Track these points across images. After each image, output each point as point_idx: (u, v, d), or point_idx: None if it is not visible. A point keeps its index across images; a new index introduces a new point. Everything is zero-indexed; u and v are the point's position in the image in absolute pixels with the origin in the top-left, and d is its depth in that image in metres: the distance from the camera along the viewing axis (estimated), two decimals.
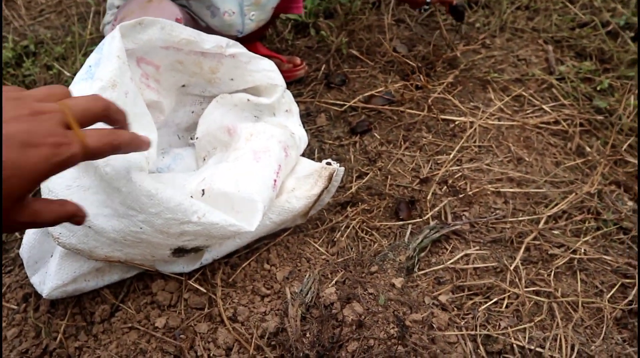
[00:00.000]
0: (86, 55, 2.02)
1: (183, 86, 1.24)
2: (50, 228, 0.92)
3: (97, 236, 0.90)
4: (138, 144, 0.62)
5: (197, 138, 1.28)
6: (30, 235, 1.07)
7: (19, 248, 1.29)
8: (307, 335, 0.88)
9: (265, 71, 1.20)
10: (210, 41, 1.12)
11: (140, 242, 0.90)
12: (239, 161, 1.06)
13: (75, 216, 0.59)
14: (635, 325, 1.03)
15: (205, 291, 1.01)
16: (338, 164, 1.06)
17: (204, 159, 1.25)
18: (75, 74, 1.87)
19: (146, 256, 0.97)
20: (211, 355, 0.90)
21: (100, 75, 0.94)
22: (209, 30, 1.39)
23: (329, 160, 1.07)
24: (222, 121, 1.24)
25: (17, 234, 1.36)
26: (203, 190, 1.00)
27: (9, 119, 0.52)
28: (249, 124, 1.19)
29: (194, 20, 1.35)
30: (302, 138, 1.22)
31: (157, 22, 1.06)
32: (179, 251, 0.95)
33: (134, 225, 0.88)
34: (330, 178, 1.05)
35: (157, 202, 0.85)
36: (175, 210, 0.87)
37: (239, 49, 1.14)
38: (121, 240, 0.89)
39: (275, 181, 1.02)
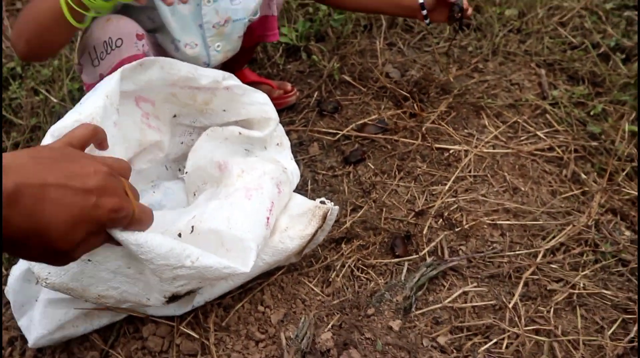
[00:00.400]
0: (73, 79, 1.99)
1: (174, 116, 1.22)
2: (36, 269, 0.88)
3: (95, 270, 0.86)
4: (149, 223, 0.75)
5: (186, 173, 1.25)
6: (13, 280, 1.04)
7: (4, 283, 1.26)
8: None
9: (259, 104, 1.19)
10: (208, 76, 1.11)
11: (137, 281, 0.88)
12: (230, 198, 1.03)
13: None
14: None
15: (197, 336, 0.98)
16: (332, 203, 1.04)
17: (194, 195, 1.23)
18: (62, 100, 1.84)
19: (141, 299, 0.94)
20: None
21: (81, 109, 0.93)
22: None
23: (323, 199, 1.05)
24: (213, 155, 1.22)
25: (3, 270, 1.32)
26: (193, 227, 0.97)
27: (92, 173, 0.60)
28: (240, 159, 1.17)
29: (162, 51, 1.33)
30: (294, 172, 1.20)
31: (156, 62, 1.06)
32: (173, 299, 0.92)
33: (140, 264, 0.85)
34: (324, 218, 1.03)
35: (148, 250, 0.82)
36: (167, 256, 0.84)
37: (234, 81, 1.14)
38: (121, 273, 0.86)
39: (268, 218, 1.00)
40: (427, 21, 1.42)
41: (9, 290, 1.05)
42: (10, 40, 1.08)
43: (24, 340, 1.05)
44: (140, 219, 0.70)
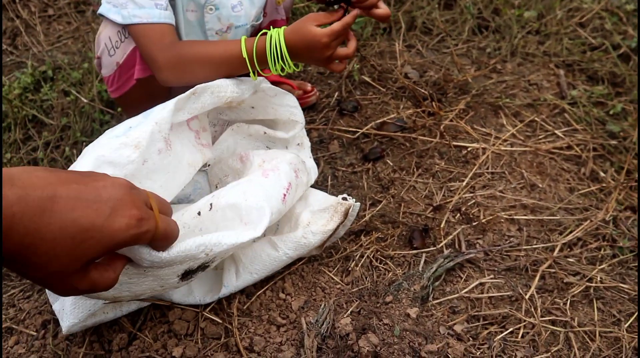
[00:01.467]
0: (102, 81, 2.06)
1: (207, 115, 1.27)
2: None
3: None
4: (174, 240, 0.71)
5: (208, 166, 1.30)
6: None
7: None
8: None
9: (289, 106, 1.24)
10: (249, 88, 1.17)
11: (146, 278, 0.88)
12: (247, 178, 1.07)
13: (116, 281, 0.64)
14: None
15: (221, 321, 1.02)
16: (354, 200, 1.07)
17: (217, 187, 1.27)
18: (91, 101, 1.91)
19: (155, 289, 0.95)
20: None
21: (130, 132, 0.97)
22: None
23: (345, 195, 1.08)
24: (235, 149, 1.26)
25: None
26: (211, 204, 0.99)
27: (106, 187, 0.56)
28: (261, 151, 1.21)
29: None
30: (312, 168, 1.23)
31: (207, 88, 1.10)
32: (187, 274, 0.92)
33: (137, 268, 0.84)
34: (346, 214, 1.06)
35: (166, 261, 0.78)
36: (184, 259, 0.82)
37: (267, 84, 1.20)
38: (126, 279, 0.87)
39: (285, 195, 1.02)
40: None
41: None
42: (158, 63, 1.16)
43: (56, 323, 1.10)
44: (165, 235, 0.65)
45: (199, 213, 1.00)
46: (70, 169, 0.89)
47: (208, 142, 1.23)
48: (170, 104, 1.02)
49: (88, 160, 0.92)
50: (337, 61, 1.17)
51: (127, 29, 1.20)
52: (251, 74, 1.12)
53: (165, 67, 1.15)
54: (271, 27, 1.14)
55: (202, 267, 0.96)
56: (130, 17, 1.16)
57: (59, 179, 0.54)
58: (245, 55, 1.10)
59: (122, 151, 0.94)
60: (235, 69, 1.14)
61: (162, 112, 1.01)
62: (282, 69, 1.13)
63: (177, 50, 1.16)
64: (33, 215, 0.50)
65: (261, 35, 1.11)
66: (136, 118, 1.02)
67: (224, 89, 1.14)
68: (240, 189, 1.00)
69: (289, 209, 1.17)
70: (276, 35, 1.10)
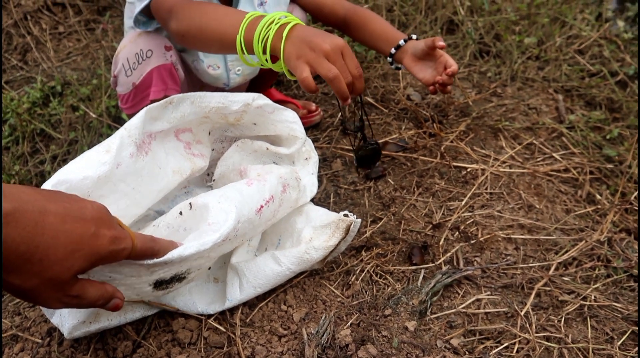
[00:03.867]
0: (111, 97, 2.11)
1: (209, 133, 1.30)
2: None
3: None
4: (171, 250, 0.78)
5: (214, 180, 1.33)
6: None
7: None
8: None
9: (287, 122, 1.26)
10: (238, 101, 1.18)
11: (117, 286, 0.87)
12: (231, 185, 1.08)
13: (114, 297, 0.71)
14: None
15: (224, 330, 1.04)
16: (355, 216, 1.10)
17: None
18: (100, 116, 1.95)
19: (132, 297, 0.97)
20: None
21: (104, 141, 1.03)
22: (198, 80, 1.46)
23: (346, 212, 1.11)
24: (240, 164, 1.29)
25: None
26: (190, 204, 1.02)
27: (89, 206, 0.62)
28: (259, 166, 1.23)
29: (187, 67, 1.43)
30: (307, 186, 1.25)
31: (186, 98, 1.14)
32: (160, 284, 0.94)
33: (101, 275, 0.83)
34: (347, 230, 1.09)
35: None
36: (137, 265, 0.83)
37: (264, 101, 1.21)
38: None
39: (262, 206, 1.03)
40: (394, 66, 1.52)
41: None
42: (172, 11, 1.10)
43: (61, 331, 1.12)
44: (143, 252, 0.72)
45: (180, 213, 1.03)
46: (53, 176, 0.95)
47: (202, 153, 1.25)
48: (140, 113, 1.07)
49: (68, 167, 0.97)
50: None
51: (151, 8, 1.21)
52: (239, 49, 1.04)
53: (173, 12, 1.12)
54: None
55: (177, 278, 0.97)
56: None
57: (45, 197, 0.59)
58: (241, 29, 1.02)
59: (95, 156, 0.99)
60: (225, 44, 1.07)
61: (132, 120, 1.06)
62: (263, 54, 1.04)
63: (187, 2, 1.12)
64: (26, 226, 0.54)
65: (260, 15, 1.01)
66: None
67: (206, 99, 1.16)
68: (218, 193, 1.02)
69: (290, 224, 1.20)
70: (288, 18, 1.00)
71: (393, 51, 1.45)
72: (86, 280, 0.65)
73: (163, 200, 1.28)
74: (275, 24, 0.97)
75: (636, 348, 1.08)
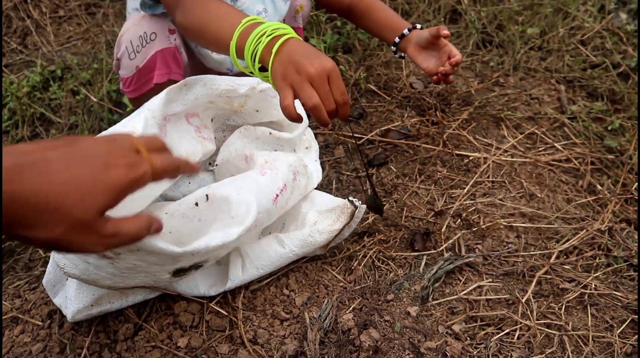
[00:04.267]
0: (112, 82, 2.10)
1: (212, 119, 1.30)
2: (55, 258, 0.94)
3: (97, 271, 0.90)
4: (191, 169, 0.70)
5: (216, 165, 1.33)
6: (50, 263, 1.10)
7: (42, 265, 1.34)
8: None
9: None
10: (245, 84, 1.19)
11: (137, 273, 0.91)
12: (244, 174, 1.10)
13: (151, 223, 0.64)
14: None
15: (226, 314, 1.05)
16: (360, 202, 1.11)
17: None
18: (101, 100, 1.94)
19: (148, 283, 0.99)
20: None
21: (125, 122, 1.02)
22: (202, 64, 1.46)
23: (352, 198, 1.11)
24: (243, 150, 1.29)
25: (40, 252, 1.40)
26: (207, 195, 1.03)
27: (90, 145, 0.58)
28: (265, 152, 1.24)
29: (190, 51, 1.41)
30: (314, 172, 1.26)
31: (199, 80, 1.14)
32: (179, 272, 0.96)
33: (127, 263, 0.87)
34: (352, 215, 1.09)
35: (145, 247, 0.82)
36: (166, 254, 0.85)
37: (267, 84, 1.21)
38: (119, 273, 0.90)
39: (277, 195, 1.04)
40: (397, 55, 1.51)
41: (46, 272, 1.13)
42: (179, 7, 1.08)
43: (62, 313, 1.12)
44: (165, 170, 0.65)
45: (196, 204, 1.03)
46: None
47: (210, 137, 1.26)
48: (162, 94, 1.07)
49: None
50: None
51: (147, 34, 1.22)
52: (232, 53, 1.00)
53: (181, 4, 1.09)
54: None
55: (195, 266, 0.99)
56: None
57: (43, 146, 0.56)
58: (236, 34, 0.97)
59: None
60: (220, 45, 1.02)
61: (154, 101, 1.06)
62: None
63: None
64: (31, 177, 0.52)
65: (259, 22, 0.97)
66: (132, 114, 1.07)
67: (217, 82, 1.17)
68: (235, 184, 1.03)
69: (295, 208, 1.20)
70: (285, 30, 0.94)
71: (397, 39, 1.44)
72: (118, 217, 0.60)
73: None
74: (267, 37, 0.92)
75: (636, 337, 1.09)
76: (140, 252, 0.82)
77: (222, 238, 0.89)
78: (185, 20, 1.08)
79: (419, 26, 1.42)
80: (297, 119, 0.92)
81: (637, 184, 1.46)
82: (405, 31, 1.42)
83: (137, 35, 1.26)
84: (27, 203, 0.52)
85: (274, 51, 0.91)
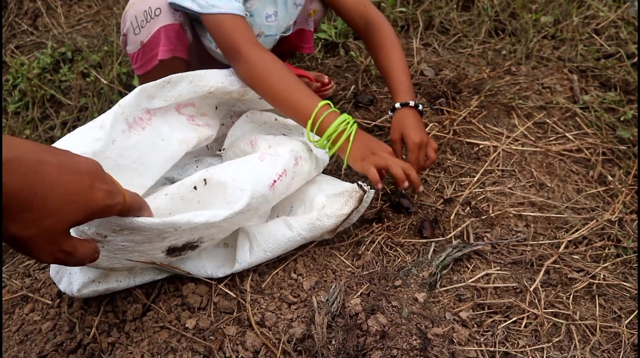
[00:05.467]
0: (122, 64, 2.09)
1: (216, 107, 1.30)
2: None
3: None
4: (149, 214, 0.82)
5: (223, 149, 1.33)
6: None
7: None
8: (333, 342, 0.92)
9: None
10: (237, 81, 1.21)
11: (131, 253, 0.92)
12: (244, 159, 1.10)
13: (95, 253, 0.71)
14: None
15: (234, 296, 1.05)
16: (369, 187, 1.10)
17: None
18: (111, 82, 1.94)
19: (145, 260, 0.98)
20: (239, 356, 0.94)
21: (98, 117, 1.05)
22: (211, 57, 1.45)
23: (360, 182, 1.11)
24: (250, 134, 1.29)
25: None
26: (205, 179, 1.04)
27: (83, 162, 0.64)
28: (269, 136, 1.24)
29: (195, 32, 1.40)
30: (320, 157, 1.26)
31: (185, 77, 1.15)
32: (173, 251, 0.96)
33: (116, 245, 0.87)
34: (360, 200, 1.09)
35: (126, 225, 0.83)
36: (151, 231, 0.86)
37: None
38: (113, 255, 0.91)
39: (274, 181, 1.05)
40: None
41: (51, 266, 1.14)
42: (247, 64, 1.18)
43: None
44: (132, 207, 0.73)
45: (195, 188, 1.04)
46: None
47: (207, 123, 1.26)
48: (135, 91, 1.11)
49: (63, 141, 0.99)
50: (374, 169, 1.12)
51: (203, 19, 1.22)
52: (307, 135, 1.15)
53: (246, 62, 1.17)
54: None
55: (190, 246, 0.99)
56: (209, 6, 1.18)
57: (42, 149, 0.59)
58: (310, 122, 1.12)
59: (89, 132, 1.01)
60: (294, 116, 1.17)
61: (127, 97, 1.10)
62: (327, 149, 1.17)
63: (263, 56, 1.17)
64: (26, 173, 0.55)
65: (331, 111, 1.13)
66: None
67: (206, 78, 1.18)
68: (232, 168, 1.04)
69: (302, 191, 1.20)
70: (350, 124, 1.13)
71: (390, 113, 1.34)
72: (77, 238, 0.65)
73: (173, 168, 1.28)
74: (350, 125, 1.13)
75: None
76: (124, 231, 0.82)
77: (207, 217, 0.90)
78: (254, 79, 1.18)
79: (420, 107, 1.30)
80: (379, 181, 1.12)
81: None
82: (398, 105, 1.30)
83: (141, 10, 1.26)
84: (17, 196, 0.54)
85: (351, 139, 1.12)
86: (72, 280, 1.07)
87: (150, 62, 1.32)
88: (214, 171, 1.05)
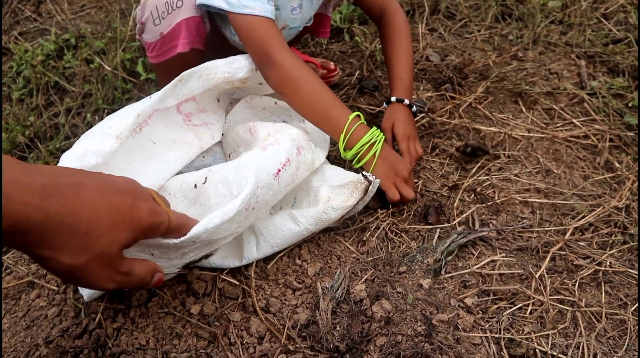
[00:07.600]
0: (126, 50, 2.08)
1: (218, 100, 1.30)
2: None
3: None
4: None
5: (222, 135, 1.32)
6: None
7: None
8: (337, 328, 0.92)
9: None
10: (243, 67, 1.20)
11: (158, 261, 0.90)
12: (247, 154, 1.08)
13: (156, 271, 0.68)
14: None
15: (238, 282, 1.05)
16: (374, 177, 1.10)
17: (230, 156, 1.29)
18: (114, 69, 1.93)
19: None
20: (244, 342, 0.94)
21: (112, 123, 1.01)
22: (222, 35, 1.44)
23: (365, 173, 1.10)
24: (249, 121, 1.28)
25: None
26: (206, 178, 1.03)
27: (121, 181, 0.61)
28: (268, 124, 1.22)
29: (213, 20, 1.39)
30: (320, 144, 1.25)
31: (194, 73, 1.14)
32: (188, 266, 0.96)
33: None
34: (366, 190, 1.08)
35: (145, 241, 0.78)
36: (167, 245, 0.82)
37: None
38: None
39: (279, 170, 1.02)
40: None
41: None
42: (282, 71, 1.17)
43: None
44: (179, 228, 0.70)
45: (195, 186, 1.03)
46: (62, 156, 0.95)
47: (205, 122, 1.25)
48: (155, 96, 1.08)
49: (77, 149, 0.96)
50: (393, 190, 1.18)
51: (232, 18, 1.20)
52: (340, 147, 1.18)
53: (281, 69, 1.16)
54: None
55: (206, 256, 0.98)
56: (241, 6, 1.16)
57: (79, 172, 0.57)
58: (343, 133, 1.15)
59: (105, 141, 0.98)
60: (324, 127, 1.19)
61: (145, 103, 1.07)
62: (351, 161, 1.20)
63: (297, 64, 1.17)
64: (67, 196, 0.52)
65: (360, 123, 1.17)
66: (123, 109, 1.08)
67: (213, 70, 1.16)
68: (235, 163, 1.02)
69: (306, 183, 1.19)
70: (377, 141, 1.16)
71: (385, 104, 1.40)
72: (131, 258, 0.63)
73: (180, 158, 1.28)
74: (377, 143, 1.17)
75: None
76: (140, 246, 0.79)
77: (220, 217, 0.85)
78: (287, 87, 1.19)
79: (414, 109, 1.36)
80: (396, 199, 1.18)
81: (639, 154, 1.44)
82: (393, 99, 1.37)
83: (163, 1, 1.25)
84: (62, 222, 0.51)
85: (376, 155, 1.17)
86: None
87: (168, 52, 1.31)
88: (216, 169, 1.04)
